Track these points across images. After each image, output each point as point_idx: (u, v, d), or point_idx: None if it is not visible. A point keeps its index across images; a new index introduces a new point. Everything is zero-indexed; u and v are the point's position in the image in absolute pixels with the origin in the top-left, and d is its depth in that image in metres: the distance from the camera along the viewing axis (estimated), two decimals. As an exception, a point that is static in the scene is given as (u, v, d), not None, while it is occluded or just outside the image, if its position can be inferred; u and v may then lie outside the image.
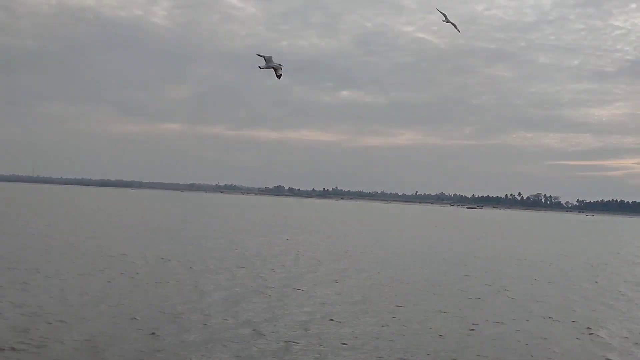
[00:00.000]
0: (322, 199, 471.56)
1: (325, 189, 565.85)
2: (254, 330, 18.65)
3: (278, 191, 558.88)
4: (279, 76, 14.91)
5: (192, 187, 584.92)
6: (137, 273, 29.08)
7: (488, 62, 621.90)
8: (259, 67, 14.20)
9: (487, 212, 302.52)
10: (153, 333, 17.62)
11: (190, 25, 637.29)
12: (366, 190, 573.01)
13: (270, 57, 14.19)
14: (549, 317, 23.17)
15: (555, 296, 28.92)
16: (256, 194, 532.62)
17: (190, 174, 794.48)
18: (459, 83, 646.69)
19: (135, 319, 19.38)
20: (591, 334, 20.65)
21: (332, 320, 20.52)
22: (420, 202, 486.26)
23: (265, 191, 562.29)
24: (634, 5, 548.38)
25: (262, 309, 21.90)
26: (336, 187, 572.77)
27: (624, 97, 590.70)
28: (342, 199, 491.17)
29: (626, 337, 20.36)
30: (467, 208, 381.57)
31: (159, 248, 40.52)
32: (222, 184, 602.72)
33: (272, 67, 14.19)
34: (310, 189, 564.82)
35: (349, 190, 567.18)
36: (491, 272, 37.11)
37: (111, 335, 17.28)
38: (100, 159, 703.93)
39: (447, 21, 15.86)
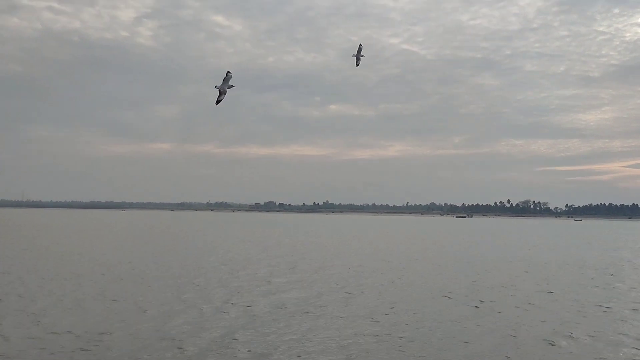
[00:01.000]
0: (312, 213, 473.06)
1: (316, 203, 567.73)
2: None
3: (268, 207, 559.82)
4: (218, 101, 15.97)
5: (182, 206, 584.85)
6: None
7: (474, 71, 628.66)
8: (215, 85, 15.43)
9: (477, 220, 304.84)
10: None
11: (176, 45, 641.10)
12: (357, 202, 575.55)
13: (231, 77, 15.41)
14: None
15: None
16: (247, 210, 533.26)
17: (180, 192, 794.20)
18: (447, 93, 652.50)
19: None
20: None
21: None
22: (410, 213, 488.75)
23: (256, 207, 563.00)
24: (616, 11, 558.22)
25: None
26: (327, 201, 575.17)
27: (611, 102, 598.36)
28: (332, 212, 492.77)
29: None
30: (456, 217, 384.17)
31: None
32: (212, 201, 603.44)
33: (222, 89, 15.38)
34: (300, 203, 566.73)
35: (340, 204, 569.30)
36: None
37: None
38: (89, 180, 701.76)
39: (357, 57, 17.49)
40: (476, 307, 25.78)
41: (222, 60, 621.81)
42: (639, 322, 23.10)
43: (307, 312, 23.64)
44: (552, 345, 19.04)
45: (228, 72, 15.99)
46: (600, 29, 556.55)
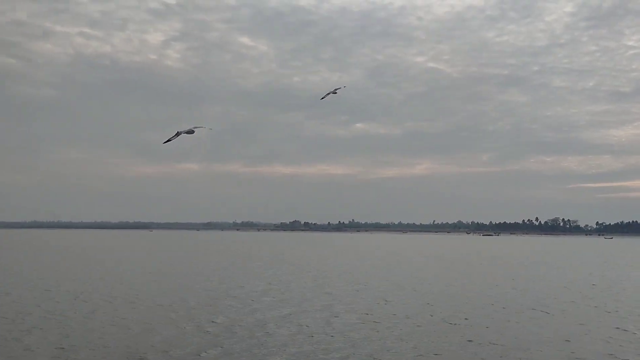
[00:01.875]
0: (338, 232, 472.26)
1: (342, 222, 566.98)
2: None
3: (294, 226, 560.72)
4: (168, 140, 16.28)
5: (209, 226, 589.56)
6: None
7: (502, 88, 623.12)
8: (178, 131, 15.72)
9: (504, 238, 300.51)
10: None
11: (203, 66, 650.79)
12: (383, 221, 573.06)
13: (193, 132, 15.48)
14: None
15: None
16: (272, 229, 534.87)
17: (207, 212, 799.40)
18: (474, 110, 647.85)
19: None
20: None
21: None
22: (436, 231, 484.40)
23: (281, 227, 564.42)
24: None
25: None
26: (352, 220, 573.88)
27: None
28: (357, 231, 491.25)
29: None
30: (483, 235, 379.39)
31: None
32: (238, 221, 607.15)
33: (181, 132, 15.73)
34: (326, 222, 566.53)
35: (366, 222, 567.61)
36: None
37: None
38: (118, 201, 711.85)
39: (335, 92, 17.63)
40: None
41: (248, 80, 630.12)
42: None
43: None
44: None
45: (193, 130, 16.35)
46: (630, 43, 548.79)
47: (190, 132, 14.85)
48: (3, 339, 22.91)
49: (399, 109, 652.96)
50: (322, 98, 17.89)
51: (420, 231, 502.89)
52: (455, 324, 27.54)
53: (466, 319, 29.21)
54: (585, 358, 20.85)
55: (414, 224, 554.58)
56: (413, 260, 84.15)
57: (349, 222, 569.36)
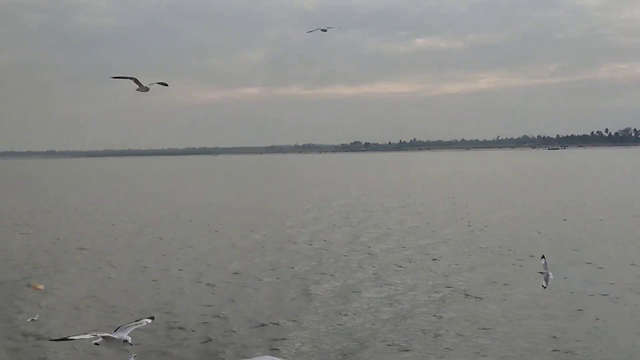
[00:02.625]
0: (399, 151, 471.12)
1: (403, 141, 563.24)
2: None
3: (354, 147, 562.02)
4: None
5: (272, 149, 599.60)
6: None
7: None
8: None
9: (569, 152, 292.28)
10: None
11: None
12: (445, 139, 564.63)
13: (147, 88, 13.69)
14: None
15: None
16: (333, 151, 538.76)
17: (269, 136, 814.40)
18: (541, 18, 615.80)
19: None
20: None
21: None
22: (500, 147, 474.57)
23: (342, 148, 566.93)
24: None
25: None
26: (414, 139, 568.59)
27: None
28: (419, 150, 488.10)
29: None
30: (548, 149, 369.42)
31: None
32: (300, 144, 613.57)
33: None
34: (387, 142, 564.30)
35: (428, 141, 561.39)
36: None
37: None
38: (184, 128, 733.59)
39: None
40: None
41: (306, 1, 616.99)
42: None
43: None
44: None
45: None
46: None
47: (144, 89, 13.13)
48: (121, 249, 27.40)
49: (461, 20, 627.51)
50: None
51: (484, 147, 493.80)
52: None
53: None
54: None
55: (477, 140, 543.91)
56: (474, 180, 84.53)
57: (410, 141, 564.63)
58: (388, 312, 17.79)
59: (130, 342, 7.88)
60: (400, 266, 24.15)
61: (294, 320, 17.19)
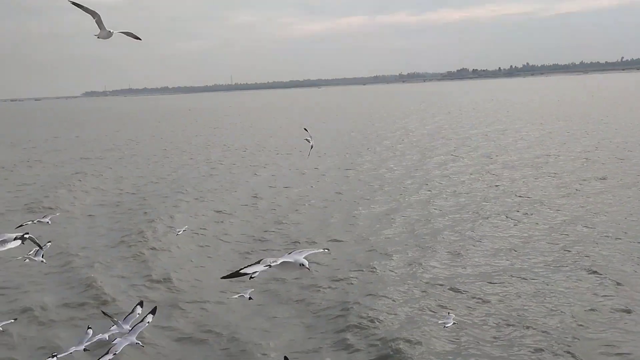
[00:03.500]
0: (509, 78, 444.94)
1: (514, 66, 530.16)
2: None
3: (461, 74, 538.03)
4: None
5: (375, 80, 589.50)
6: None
7: None
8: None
9: None
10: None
11: None
12: (561, 62, 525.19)
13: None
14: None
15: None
16: (438, 79, 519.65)
17: (372, 66, 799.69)
18: None
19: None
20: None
21: None
22: (624, 69, 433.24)
23: (448, 76, 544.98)
24: None
25: None
26: (527, 64, 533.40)
27: None
28: (532, 75, 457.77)
29: None
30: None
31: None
32: (404, 72, 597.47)
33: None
34: (496, 68, 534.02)
35: (542, 65, 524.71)
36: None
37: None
38: (287, 61, 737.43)
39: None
40: None
41: None
42: None
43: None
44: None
45: None
46: None
47: (106, 34, 8.80)
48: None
49: None
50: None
51: (606, 70, 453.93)
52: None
53: None
54: None
55: (597, 62, 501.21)
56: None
57: (523, 66, 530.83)
58: None
59: (307, 266, 7.40)
60: None
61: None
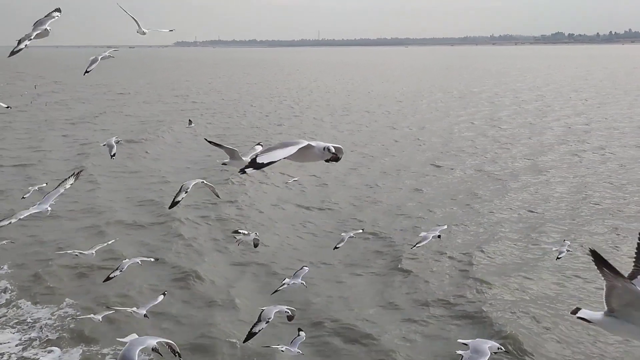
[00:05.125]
0: (608, 44, 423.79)
1: (614, 32, 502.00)
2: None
3: (556, 38, 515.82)
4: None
5: (464, 41, 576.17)
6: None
7: None
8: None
9: None
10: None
11: None
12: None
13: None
14: None
15: None
16: (531, 43, 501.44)
17: (463, 26, 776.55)
18: None
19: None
20: None
21: None
22: None
23: (542, 39, 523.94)
24: None
25: None
26: (629, 29, 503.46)
27: None
28: (632, 42, 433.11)
29: None
30: None
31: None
32: (496, 35, 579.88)
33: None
34: (594, 33, 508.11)
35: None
36: None
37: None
38: (375, 18, 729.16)
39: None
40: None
41: None
42: None
43: None
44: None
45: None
46: None
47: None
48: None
49: None
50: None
51: None
52: None
53: None
54: None
55: None
56: None
57: (625, 32, 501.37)
58: None
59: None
60: None
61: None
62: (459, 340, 7.73)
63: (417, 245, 11.55)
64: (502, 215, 21.59)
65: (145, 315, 10.75)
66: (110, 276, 11.41)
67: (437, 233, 11.64)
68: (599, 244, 17.99)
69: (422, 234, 11.97)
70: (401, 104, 55.66)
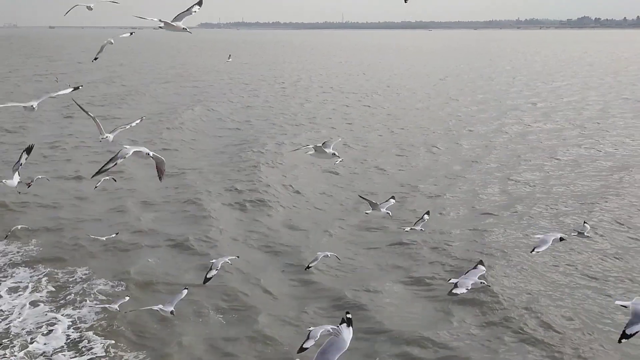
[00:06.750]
0: (636, 29, 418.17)
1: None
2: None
3: (582, 23, 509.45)
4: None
5: (489, 25, 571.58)
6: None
7: None
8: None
9: None
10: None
11: None
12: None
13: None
14: None
15: None
16: (556, 27, 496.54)
17: (487, 10, 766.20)
18: None
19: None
20: None
21: None
22: None
23: (567, 24, 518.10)
24: None
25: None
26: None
27: None
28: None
29: None
30: None
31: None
32: (522, 18, 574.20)
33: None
34: (621, 17, 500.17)
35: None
36: None
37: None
38: (397, 1, 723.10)
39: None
40: None
41: None
42: None
43: None
44: None
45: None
46: None
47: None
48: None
49: None
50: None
51: None
52: None
53: None
54: None
55: None
56: None
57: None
58: None
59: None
60: None
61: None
62: (616, 302, 7.91)
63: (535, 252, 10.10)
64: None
65: (171, 312, 10.67)
66: (207, 276, 11.53)
67: (559, 236, 10.07)
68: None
69: (539, 236, 10.41)
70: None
